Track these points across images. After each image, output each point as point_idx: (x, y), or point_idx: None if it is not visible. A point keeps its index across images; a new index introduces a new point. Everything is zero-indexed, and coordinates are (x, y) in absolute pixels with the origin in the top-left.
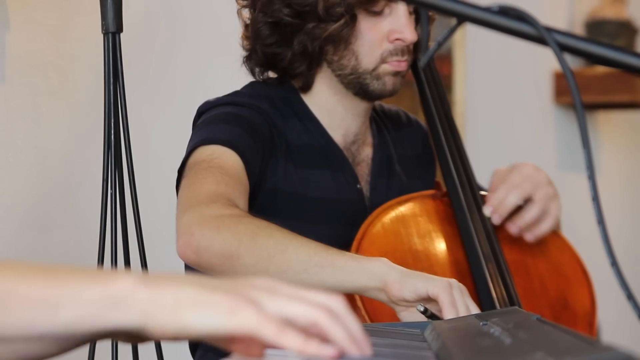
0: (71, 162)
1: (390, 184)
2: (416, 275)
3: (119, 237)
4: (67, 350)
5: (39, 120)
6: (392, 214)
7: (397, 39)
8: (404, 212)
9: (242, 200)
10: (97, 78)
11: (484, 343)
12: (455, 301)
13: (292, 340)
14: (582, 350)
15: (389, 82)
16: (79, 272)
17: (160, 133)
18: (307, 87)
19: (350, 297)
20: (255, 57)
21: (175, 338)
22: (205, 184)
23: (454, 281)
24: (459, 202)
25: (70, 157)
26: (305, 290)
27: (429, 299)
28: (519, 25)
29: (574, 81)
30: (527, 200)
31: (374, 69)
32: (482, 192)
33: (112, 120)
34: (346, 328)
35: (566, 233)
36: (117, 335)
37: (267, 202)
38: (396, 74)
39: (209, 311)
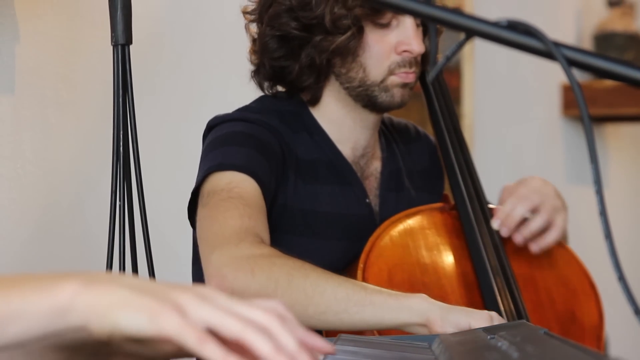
0: (80, 174)
1: (399, 197)
2: (457, 310)
3: (127, 248)
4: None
5: (48, 132)
6: (400, 226)
7: (404, 51)
8: (412, 224)
9: (266, 231)
10: (106, 90)
11: (491, 357)
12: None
13: (211, 352)
14: None
15: (397, 94)
16: (23, 284)
17: (169, 144)
18: (315, 100)
19: None
20: (263, 70)
21: (111, 337)
22: (229, 217)
23: (494, 314)
24: (467, 215)
25: (78, 169)
26: (241, 303)
27: None
28: (528, 40)
29: (581, 95)
30: (534, 212)
31: (382, 81)
32: (491, 206)
33: (121, 132)
34: (276, 342)
35: (574, 246)
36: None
37: (277, 218)
38: (404, 85)
39: (134, 313)
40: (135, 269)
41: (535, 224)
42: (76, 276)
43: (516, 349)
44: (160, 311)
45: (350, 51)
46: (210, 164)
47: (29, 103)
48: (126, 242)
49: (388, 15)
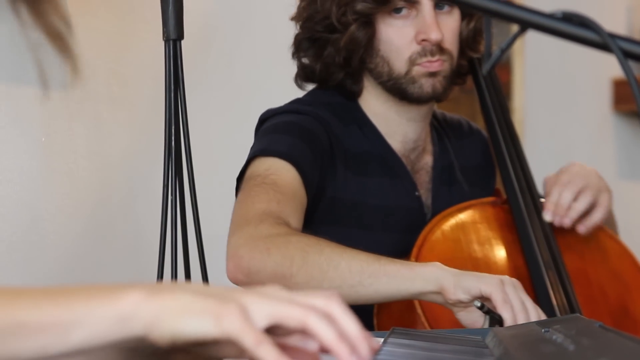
0: (132, 169)
1: (452, 191)
2: (468, 276)
3: (178, 243)
4: None
5: (100, 127)
6: (452, 221)
7: (423, 40)
8: (464, 219)
9: (295, 217)
10: (158, 85)
11: (547, 349)
12: (509, 298)
13: (266, 353)
14: None
15: (426, 84)
16: (87, 292)
17: (221, 139)
18: (354, 95)
19: (410, 305)
20: (298, 70)
21: (174, 343)
22: (256, 202)
23: (506, 278)
24: (519, 209)
25: (130, 164)
26: (300, 294)
27: (484, 298)
28: (583, 32)
29: (637, 87)
30: (579, 194)
31: (407, 73)
32: (542, 200)
33: (173, 127)
34: (339, 328)
35: (626, 241)
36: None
37: (326, 211)
38: (431, 74)
39: (198, 317)
40: (187, 264)
41: (581, 204)
42: (140, 286)
43: (572, 341)
44: (223, 312)
45: (361, 45)
46: (255, 149)
47: (81, 99)
48: (178, 237)
49: (398, 2)
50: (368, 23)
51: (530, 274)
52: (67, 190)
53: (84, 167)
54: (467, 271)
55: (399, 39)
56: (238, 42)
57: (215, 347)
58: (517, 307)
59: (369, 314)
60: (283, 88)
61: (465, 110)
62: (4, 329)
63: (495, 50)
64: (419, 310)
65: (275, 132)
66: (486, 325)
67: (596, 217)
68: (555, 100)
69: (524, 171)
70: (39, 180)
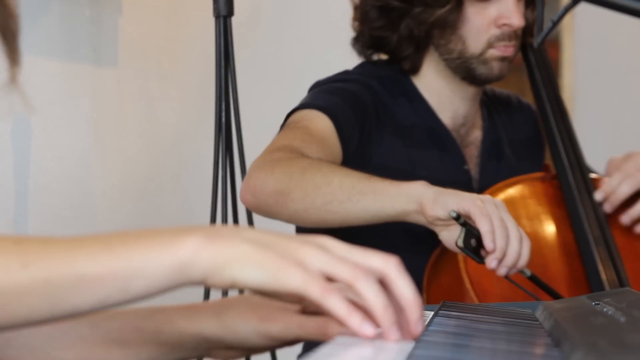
0: (182, 146)
1: (500, 166)
2: (448, 193)
3: (229, 219)
4: None
5: (151, 104)
6: (501, 196)
7: (504, 24)
8: (513, 194)
9: (318, 155)
10: (208, 61)
11: (598, 322)
12: (487, 212)
13: (335, 305)
14: None
15: (496, 67)
16: (145, 240)
17: (271, 115)
18: (414, 70)
19: (459, 279)
20: (363, 39)
21: (232, 287)
22: (282, 139)
23: (487, 196)
24: (569, 184)
25: (181, 141)
26: (358, 251)
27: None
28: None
29: None
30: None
31: (481, 54)
32: (593, 176)
33: (223, 104)
34: (393, 289)
35: None
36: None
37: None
38: (503, 59)
39: (259, 268)
40: None
41: (637, 209)
42: (198, 230)
43: (622, 314)
44: (283, 266)
45: (449, 24)
46: (298, 104)
47: (132, 76)
48: (228, 214)
49: None
50: (461, 2)
51: (579, 250)
52: (118, 166)
53: (134, 143)
54: (452, 190)
55: (481, 20)
56: (288, 17)
57: (274, 294)
58: (496, 222)
59: (419, 288)
60: (333, 64)
61: (513, 87)
62: (64, 282)
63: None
64: (468, 285)
65: (320, 93)
66: (461, 240)
67: None
68: (604, 77)
69: (573, 146)
70: (91, 157)
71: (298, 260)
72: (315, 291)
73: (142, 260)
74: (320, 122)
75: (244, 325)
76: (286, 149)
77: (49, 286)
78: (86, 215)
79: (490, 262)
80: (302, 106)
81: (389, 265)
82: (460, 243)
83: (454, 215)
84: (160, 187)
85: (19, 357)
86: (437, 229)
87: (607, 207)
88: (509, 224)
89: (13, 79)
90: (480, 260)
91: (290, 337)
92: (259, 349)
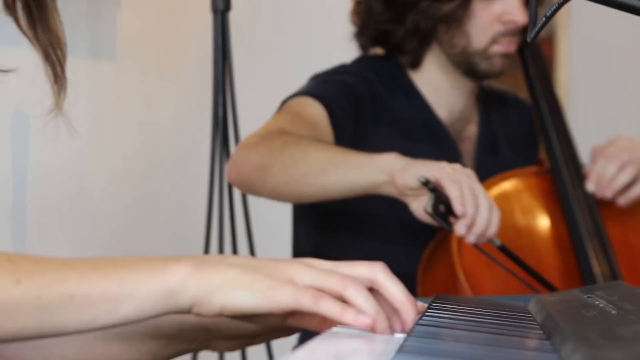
0: (179, 139)
1: (495, 161)
2: (419, 162)
3: (225, 213)
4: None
5: (149, 98)
6: (496, 190)
7: (508, 21)
8: (507, 188)
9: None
10: (206, 56)
11: (589, 314)
12: (457, 179)
13: (329, 308)
14: None
15: (498, 63)
16: (135, 265)
17: (268, 110)
18: (416, 64)
19: (453, 273)
20: (367, 33)
21: (219, 315)
22: (273, 123)
23: (458, 165)
24: (562, 178)
25: (178, 135)
26: (344, 264)
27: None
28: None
29: None
30: (624, 168)
31: (484, 50)
32: (585, 168)
33: (220, 98)
34: (384, 293)
35: None
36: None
37: None
38: (505, 55)
39: (249, 290)
40: (233, 233)
41: (623, 177)
42: (187, 259)
43: (614, 307)
44: (273, 286)
45: (456, 19)
46: (293, 93)
47: (130, 70)
48: (224, 207)
49: None
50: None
51: (573, 243)
52: (116, 160)
53: (132, 137)
54: (423, 160)
55: (486, 16)
56: (285, 12)
57: (260, 317)
58: (466, 189)
59: (412, 280)
60: (330, 58)
61: (508, 82)
62: (54, 301)
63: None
64: (462, 277)
65: (316, 83)
66: (430, 205)
67: (637, 190)
68: (599, 74)
69: (567, 141)
70: (89, 151)
71: (287, 278)
72: (308, 301)
73: (132, 284)
74: (313, 109)
75: None
76: (275, 131)
77: (39, 303)
78: (84, 209)
79: (460, 228)
80: (297, 94)
81: (376, 271)
82: (429, 209)
83: (423, 180)
84: (157, 181)
85: (21, 354)
86: (407, 200)
87: (600, 192)
88: (479, 193)
89: (59, 105)
90: (449, 226)
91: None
92: (256, 338)
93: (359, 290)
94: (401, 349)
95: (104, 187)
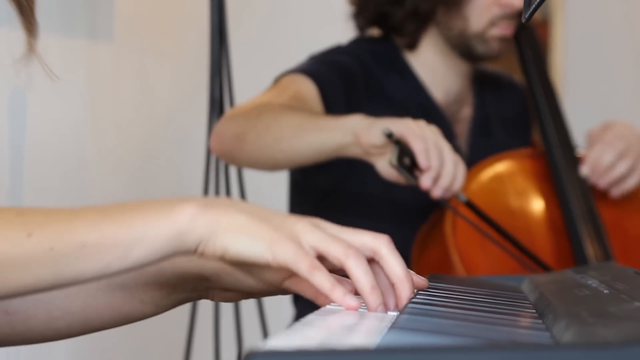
0: (176, 120)
1: (489, 143)
2: (383, 120)
3: (221, 194)
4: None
5: (146, 79)
6: (489, 172)
7: (506, 4)
8: (501, 170)
9: None
10: (203, 37)
11: (582, 293)
12: (422, 132)
13: (320, 281)
14: None
15: (495, 46)
16: (143, 209)
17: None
18: (412, 45)
19: (447, 253)
20: (366, 13)
21: (221, 259)
22: (263, 97)
23: (422, 122)
24: (556, 161)
25: (175, 115)
26: (351, 230)
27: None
28: None
29: None
30: (620, 157)
31: (482, 32)
32: (580, 152)
33: (217, 79)
34: (383, 266)
35: None
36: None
37: None
38: (502, 37)
39: (253, 238)
40: None
41: (620, 169)
42: (195, 200)
43: (606, 286)
44: (277, 239)
45: (455, 1)
46: (284, 72)
47: (127, 51)
48: (220, 187)
49: None
50: None
51: (566, 226)
52: (113, 141)
53: (129, 118)
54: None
55: (484, 0)
56: None
57: (260, 269)
58: (431, 143)
59: (407, 261)
60: (327, 40)
61: (502, 64)
62: (67, 250)
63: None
64: (456, 258)
65: (310, 62)
66: (394, 157)
67: (631, 182)
68: (595, 58)
69: (561, 123)
70: (86, 131)
71: (293, 235)
72: (304, 267)
73: (142, 228)
74: (305, 86)
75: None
76: (261, 104)
77: (52, 254)
78: (81, 188)
79: (425, 181)
80: (291, 71)
81: (380, 243)
82: (394, 161)
83: (387, 132)
84: (154, 162)
85: (24, 308)
86: (373, 159)
87: (594, 179)
88: (444, 147)
89: (31, 49)
90: (415, 180)
91: (285, 286)
92: (254, 293)
93: (360, 263)
94: (394, 326)
95: (101, 167)
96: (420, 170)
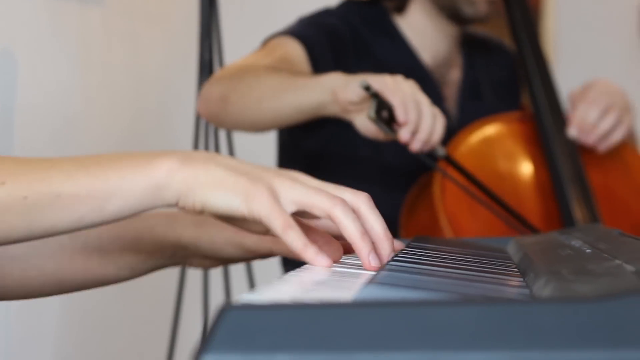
0: (166, 83)
1: (478, 106)
2: (359, 76)
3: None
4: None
5: (136, 42)
6: (479, 134)
7: None
8: (490, 133)
9: None
10: (193, 2)
11: (564, 252)
12: (400, 87)
13: (293, 239)
14: None
15: (482, 8)
16: (120, 161)
17: None
18: (401, 8)
19: (436, 217)
20: None
21: (201, 213)
22: (250, 59)
23: (399, 77)
24: (544, 125)
25: (165, 78)
26: (330, 185)
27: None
28: None
29: None
30: (605, 113)
31: None
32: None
33: (207, 42)
34: (364, 223)
35: None
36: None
37: None
38: (490, 1)
39: (230, 193)
40: None
41: (606, 124)
42: (173, 154)
43: (589, 246)
44: (254, 193)
45: None
46: (273, 34)
47: (117, 15)
48: (210, 148)
49: None
50: None
51: (554, 189)
52: (103, 103)
53: (119, 80)
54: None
55: None
56: None
57: (242, 222)
58: (409, 97)
59: (395, 224)
60: (318, 2)
61: (493, 28)
62: (41, 200)
63: None
64: (444, 221)
65: (299, 24)
66: (372, 109)
67: (617, 136)
68: (586, 22)
69: (550, 87)
70: (76, 94)
71: (271, 188)
72: (278, 224)
73: (118, 180)
74: (292, 47)
75: (220, 235)
76: (247, 66)
77: (26, 203)
78: (71, 150)
79: (403, 134)
80: (280, 33)
81: (360, 200)
82: (372, 114)
83: (365, 84)
84: (144, 124)
85: None
86: (351, 116)
87: (583, 138)
88: (422, 101)
89: None
90: (393, 133)
91: (263, 250)
92: (233, 259)
93: (347, 211)
94: (371, 281)
95: (91, 129)
96: (399, 124)
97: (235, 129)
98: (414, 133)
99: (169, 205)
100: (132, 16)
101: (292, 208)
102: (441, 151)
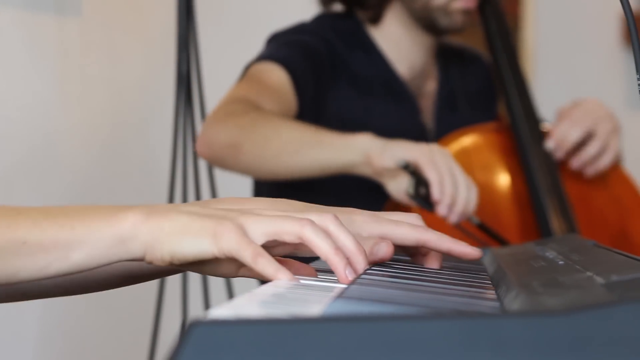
0: (144, 95)
1: (454, 117)
2: (396, 144)
3: (188, 168)
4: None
5: (114, 54)
6: (455, 146)
7: None
8: (467, 144)
9: (272, 107)
10: (170, 12)
11: (537, 264)
12: (436, 160)
13: (264, 266)
14: (633, 269)
15: (458, 19)
16: (86, 213)
17: (232, 67)
18: (376, 19)
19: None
20: None
21: (171, 263)
22: (238, 91)
23: (435, 146)
24: (521, 135)
25: (143, 90)
26: (297, 211)
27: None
28: None
29: (633, 22)
30: (589, 135)
31: (445, 5)
32: (545, 125)
33: (184, 54)
34: (335, 241)
35: (630, 169)
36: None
37: (330, 127)
38: (465, 11)
39: (197, 236)
40: (197, 186)
41: (592, 149)
42: (137, 207)
43: (563, 258)
44: (221, 231)
45: None
46: (255, 58)
47: (95, 25)
48: (188, 163)
49: None
50: None
51: (531, 200)
52: (82, 115)
53: (97, 92)
54: (398, 140)
55: None
56: None
57: (212, 266)
58: (445, 170)
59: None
60: (293, 14)
61: (469, 39)
62: (5, 247)
63: None
64: None
65: (276, 45)
66: (412, 188)
67: (605, 161)
68: (566, 32)
69: (526, 97)
70: (54, 106)
71: (237, 224)
72: (247, 254)
73: (84, 230)
74: (276, 74)
75: None
76: (241, 101)
77: None
78: (49, 164)
79: (441, 210)
80: (259, 58)
81: (327, 219)
82: (412, 191)
83: (403, 163)
84: (121, 136)
85: None
86: (384, 180)
87: (559, 154)
88: (457, 172)
89: None
90: (431, 208)
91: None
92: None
93: (317, 230)
94: (341, 295)
95: (69, 142)
96: (436, 201)
97: (243, 175)
98: (450, 207)
99: (136, 259)
100: (109, 27)
101: (262, 240)
102: (475, 220)
